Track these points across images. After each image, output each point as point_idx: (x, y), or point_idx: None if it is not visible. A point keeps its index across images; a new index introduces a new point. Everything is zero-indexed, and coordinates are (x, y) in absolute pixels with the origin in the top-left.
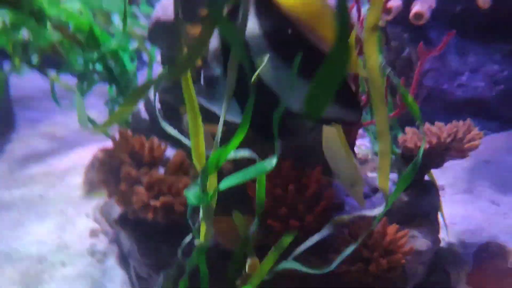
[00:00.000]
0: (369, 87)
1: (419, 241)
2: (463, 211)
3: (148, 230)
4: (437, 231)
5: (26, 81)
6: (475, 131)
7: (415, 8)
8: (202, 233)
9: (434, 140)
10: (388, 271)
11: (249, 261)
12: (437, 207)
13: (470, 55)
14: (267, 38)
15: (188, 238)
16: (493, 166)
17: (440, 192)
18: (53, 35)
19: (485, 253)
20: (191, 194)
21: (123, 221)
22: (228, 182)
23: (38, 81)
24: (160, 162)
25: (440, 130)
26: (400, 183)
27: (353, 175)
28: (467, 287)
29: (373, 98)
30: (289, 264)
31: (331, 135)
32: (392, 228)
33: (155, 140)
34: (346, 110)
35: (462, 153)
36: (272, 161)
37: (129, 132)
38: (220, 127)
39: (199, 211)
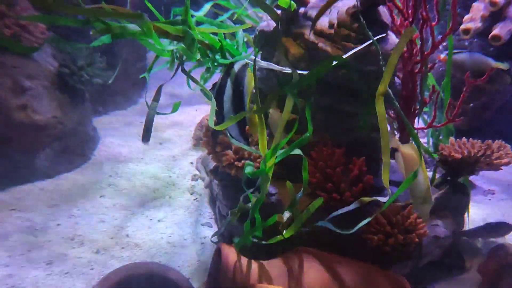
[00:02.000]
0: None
1: (439, 229)
2: (500, 214)
3: (231, 181)
4: (459, 224)
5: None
6: (507, 149)
7: (495, 31)
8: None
9: (465, 153)
10: (404, 246)
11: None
12: (465, 206)
13: None
14: None
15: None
16: None
17: (489, 196)
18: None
19: (501, 250)
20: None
21: (215, 172)
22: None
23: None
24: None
25: (472, 146)
26: (405, 183)
27: (425, 194)
28: (476, 273)
29: (380, 124)
30: (323, 223)
31: (410, 155)
32: (415, 215)
33: None
34: None
35: (491, 167)
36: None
37: None
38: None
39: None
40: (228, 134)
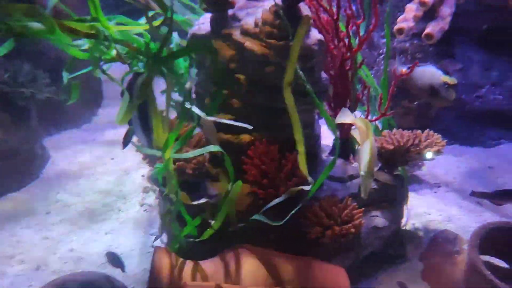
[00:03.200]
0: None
1: (378, 220)
2: (443, 206)
3: None
4: (399, 215)
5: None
6: (436, 138)
7: (427, 30)
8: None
9: (396, 144)
10: (342, 237)
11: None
12: (403, 196)
13: (493, 70)
14: None
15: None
16: (495, 173)
17: (435, 189)
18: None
19: (440, 238)
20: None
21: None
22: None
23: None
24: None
25: (402, 136)
26: (325, 171)
27: (372, 171)
28: (418, 262)
29: (290, 114)
30: (257, 216)
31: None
32: (352, 206)
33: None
34: None
35: (422, 156)
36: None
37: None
38: None
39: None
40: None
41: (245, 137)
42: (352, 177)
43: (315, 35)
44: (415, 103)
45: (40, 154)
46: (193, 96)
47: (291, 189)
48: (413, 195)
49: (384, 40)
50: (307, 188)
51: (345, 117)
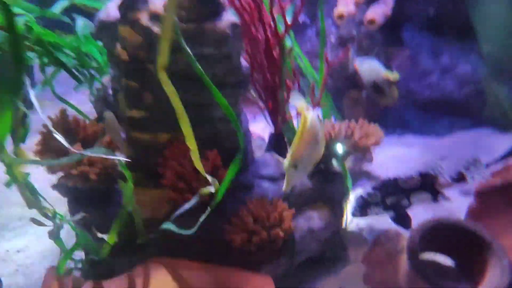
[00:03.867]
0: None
1: (314, 221)
2: None
3: (73, 194)
4: (338, 214)
5: None
6: (372, 129)
7: (369, 16)
8: None
9: (327, 136)
10: (270, 242)
11: None
12: (342, 194)
13: (443, 55)
14: None
15: None
16: (447, 162)
17: None
18: None
19: (383, 237)
20: None
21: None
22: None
23: None
24: (94, 139)
25: (333, 127)
26: (231, 168)
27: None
28: (361, 264)
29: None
30: (166, 225)
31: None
32: (281, 208)
33: (89, 121)
34: None
35: (359, 150)
36: None
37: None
38: None
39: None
40: None
41: (163, 137)
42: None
43: (228, 17)
44: (364, 93)
45: None
46: (110, 92)
47: (200, 190)
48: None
49: (334, 29)
50: (212, 189)
51: (297, 100)
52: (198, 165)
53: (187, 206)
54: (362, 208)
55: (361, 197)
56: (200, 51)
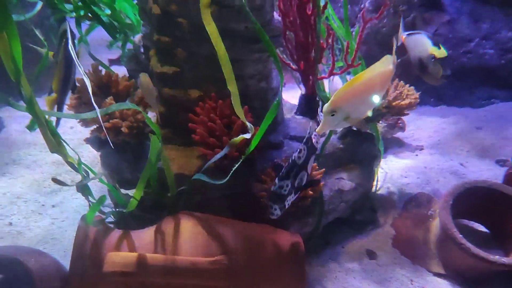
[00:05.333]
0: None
1: (343, 182)
2: (422, 168)
3: (107, 148)
4: (369, 177)
5: None
6: (407, 90)
7: None
8: None
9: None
10: (299, 200)
11: None
12: (373, 157)
13: (484, 22)
14: None
15: None
16: (483, 133)
17: (417, 151)
18: None
19: (414, 202)
20: None
21: (89, 142)
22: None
23: None
24: (126, 94)
25: None
26: (270, 112)
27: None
28: (390, 228)
29: (215, 44)
30: (198, 176)
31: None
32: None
33: (123, 76)
34: None
35: (392, 110)
36: None
37: (99, 67)
38: None
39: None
40: None
41: (193, 93)
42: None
43: None
44: (398, 59)
45: None
46: (141, 50)
47: (232, 140)
48: (392, 158)
49: None
50: (248, 136)
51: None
52: (238, 109)
53: (218, 155)
54: (281, 202)
55: (274, 193)
56: (232, 2)
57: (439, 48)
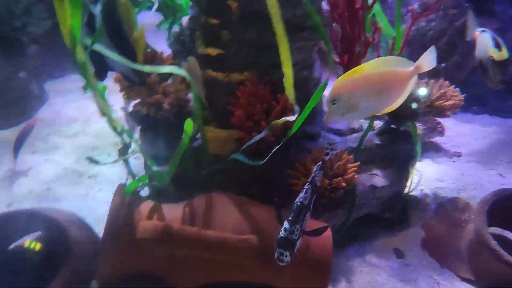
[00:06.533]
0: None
1: (377, 179)
2: (459, 175)
3: (146, 123)
4: (402, 177)
5: None
6: (452, 91)
7: None
8: None
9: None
10: (331, 191)
11: None
12: (409, 157)
13: None
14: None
15: None
16: None
17: (455, 158)
18: None
19: (448, 205)
20: None
21: (131, 116)
22: None
23: None
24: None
25: None
26: (314, 97)
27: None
28: (420, 229)
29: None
30: (235, 156)
31: None
32: (346, 159)
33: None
34: None
35: (434, 110)
36: None
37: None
38: None
39: None
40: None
41: (235, 76)
42: (353, 131)
43: None
44: (442, 65)
45: (37, 94)
46: (187, 32)
47: (273, 122)
48: (428, 162)
49: None
50: (292, 118)
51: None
52: (289, 90)
53: (257, 137)
54: (291, 248)
55: (285, 238)
56: None
57: (500, 49)
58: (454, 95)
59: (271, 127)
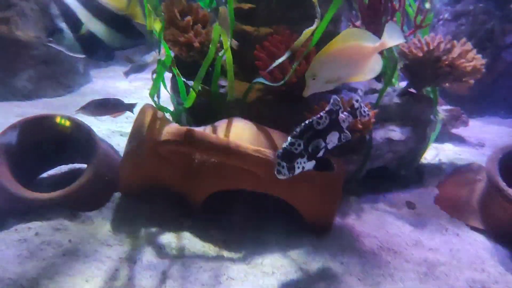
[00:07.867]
0: None
1: (394, 133)
2: (480, 155)
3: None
4: (420, 138)
5: None
6: (473, 54)
7: None
8: None
9: (425, 48)
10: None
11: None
12: (428, 119)
13: None
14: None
15: None
16: None
17: (478, 147)
18: None
19: (464, 168)
20: None
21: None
22: None
23: None
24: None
25: (432, 39)
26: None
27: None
28: (435, 189)
29: None
30: (258, 79)
31: None
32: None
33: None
34: None
35: (455, 72)
36: None
37: None
38: None
39: None
40: None
41: (264, 30)
42: (374, 91)
43: None
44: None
45: (82, 72)
46: None
47: (297, 40)
48: (449, 146)
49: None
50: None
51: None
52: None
53: (280, 60)
54: (289, 160)
55: (284, 148)
56: None
57: None
58: (476, 57)
59: (294, 49)
